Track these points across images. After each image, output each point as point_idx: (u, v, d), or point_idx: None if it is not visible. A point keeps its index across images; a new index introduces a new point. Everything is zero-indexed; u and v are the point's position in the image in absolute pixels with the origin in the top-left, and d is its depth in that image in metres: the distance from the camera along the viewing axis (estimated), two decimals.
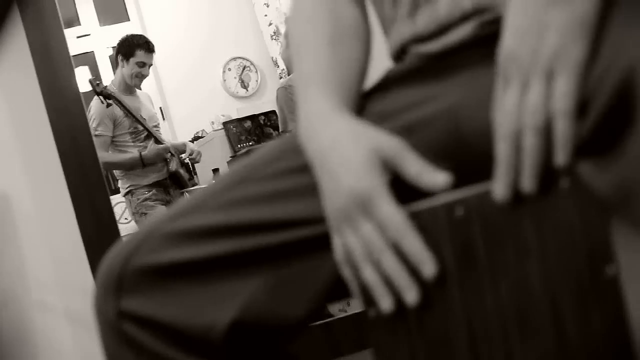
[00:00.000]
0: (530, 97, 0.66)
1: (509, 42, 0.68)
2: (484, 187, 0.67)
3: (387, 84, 0.90)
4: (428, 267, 0.68)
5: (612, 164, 0.64)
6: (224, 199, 0.84)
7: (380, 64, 0.97)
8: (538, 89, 0.65)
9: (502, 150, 0.66)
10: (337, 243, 0.75)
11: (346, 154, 0.73)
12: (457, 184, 0.70)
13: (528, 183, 0.65)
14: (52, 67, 2.27)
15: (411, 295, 0.69)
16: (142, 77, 4.32)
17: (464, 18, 0.81)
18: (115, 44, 4.34)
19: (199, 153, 4.50)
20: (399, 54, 0.93)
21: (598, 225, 0.65)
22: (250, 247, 0.82)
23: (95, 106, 4.04)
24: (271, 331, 0.84)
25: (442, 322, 0.70)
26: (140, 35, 4.43)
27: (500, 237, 0.67)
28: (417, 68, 0.88)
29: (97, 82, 4.09)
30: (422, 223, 0.70)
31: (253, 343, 0.84)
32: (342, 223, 0.74)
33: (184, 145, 4.49)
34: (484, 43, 0.79)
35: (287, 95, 3.86)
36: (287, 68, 4.15)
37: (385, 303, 0.70)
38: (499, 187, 0.67)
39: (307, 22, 0.93)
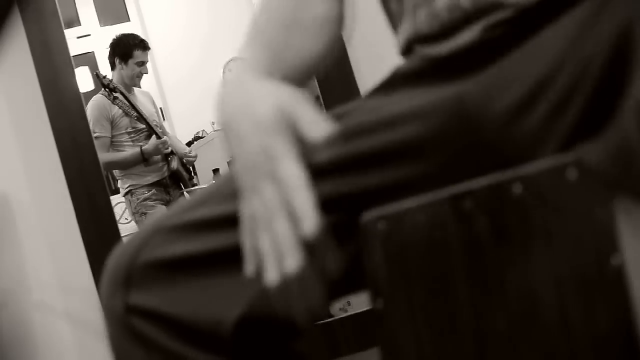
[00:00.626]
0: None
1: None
2: (491, 179, 0.67)
3: (393, 82, 0.90)
4: (308, 223, 0.63)
5: (609, 135, 0.64)
6: (230, 189, 0.83)
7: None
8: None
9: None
10: (244, 211, 0.73)
11: (253, 114, 0.72)
12: (466, 174, 0.70)
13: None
14: (53, 67, 2.27)
15: (290, 262, 0.64)
16: (141, 76, 4.33)
17: (467, 20, 0.81)
18: (113, 41, 4.34)
19: (196, 156, 4.50)
20: (405, 52, 0.93)
21: (604, 215, 0.65)
22: None
23: (91, 107, 4.02)
24: (278, 327, 0.84)
25: (449, 315, 0.70)
26: (133, 35, 4.43)
27: (507, 229, 0.67)
28: (423, 70, 0.87)
29: (103, 75, 4.10)
30: (429, 216, 0.70)
31: (260, 339, 0.83)
32: (247, 190, 0.72)
33: (180, 148, 4.49)
34: (488, 47, 0.79)
35: None
36: None
37: (272, 274, 0.66)
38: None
39: (267, 11, 0.94)
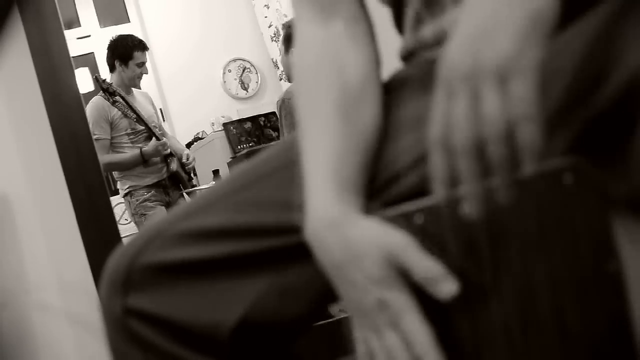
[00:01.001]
0: (486, 106, 0.63)
1: (454, 51, 0.66)
2: (487, 183, 0.67)
3: (394, 87, 0.90)
4: None
5: (622, 166, 0.64)
6: (232, 201, 0.85)
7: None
8: (492, 96, 0.62)
9: (464, 165, 0.64)
10: (359, 339, 0.74)
11: (363, 267, 0.71)
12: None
13: (504, 194, 0.64)
14: (52, 68, 2.27)
15: None
16: (142, 76, 4.33)
17: None
18: (111, 42, 4.33)
19: (194, 159, 4.50)
20: (407, 58, 0.93)
21: (600, 221, 0.65)
22: (255, 249, 0.82)
23: (90, 109, 4.02)
24: (275, 330, 0.84)
25: (445, 322, 0.70)
26: (132, 36, 4.42)
27: (504, 234, 0.67)
28: (424, 76, 0.87)
29: (103, 79, 4.09)
30: (427, 219, 0.70)
31: (258, 342, 0.84)
32: (365, 325, 0.73)
33: (180, 149, 4.49)
34: None
35: (285, 108, 3.85)
36: (287, 74, 4.15)
37: None
38: (472, 206, 0.65)
39: (312, 82, 0.87)
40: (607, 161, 0.66)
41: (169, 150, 4.26)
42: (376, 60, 0.90)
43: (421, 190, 0.74)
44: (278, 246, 0.81)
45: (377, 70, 0.89)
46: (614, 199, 0.65)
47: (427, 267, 0.68)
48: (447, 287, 0.67)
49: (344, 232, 0.73)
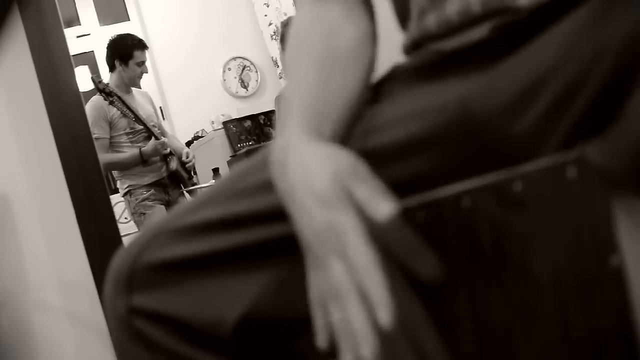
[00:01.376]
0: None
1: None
2: (490, 178, 0.67)
3: (395, 78, 0.90)
4: (382, 312, 0.61)
5: (614, 135, 0.64)
6: (229, 193, 0.85)
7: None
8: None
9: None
10: (312, 282, 0.71)
11: (313, 187, 0.70)
12: (468, 173, 0.70)
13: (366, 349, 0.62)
14: (52, 66, 2.27)
15: (365, 349, 0.61)
16: (142, 75, 4.33)
17: (477, 22, 0.81)
18: (111, 42, 4.33)
19: (194, 157, 4.51)
20: (411, 50, 0.93)
21: (603, 215, 0.65)
22: (257, 238, 0.82)
23: (89, 109, 4.03)
24: (279, 327, 0.84)
25: (448, 314, 0.70)
26: (131, 35, 4.43)
27: (507, 229, 0.67)
28: (427, 64, 0.87)
29: (99, 79, 4.09)
30: (428, 215, 0.70)
31: (260, 339, 0.84)
32: (315, 260, 0.70)
33: (180, 149, 4.49)
34: (495, 44, 0.79)
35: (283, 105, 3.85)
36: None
37: (347, 357, 0.64)
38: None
39: (300, 43, 0.91)
40: (606, 138, 0.65)
41: (168, 150, 4.26)
42: (371, 38, 0.92)
43: (410, 181, 0.76)
44: (280, 234, 0.81)
45: (370, 48, 0.91)
46: (615, 177, 0.65)
47: (368, 186, 0.67)
48: (385, 207, 0.64)
49: (302, 153, 0.73)
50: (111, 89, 4.06)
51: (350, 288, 0.64)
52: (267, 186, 0.80)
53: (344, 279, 0.65)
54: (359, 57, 0.89)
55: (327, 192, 0.68)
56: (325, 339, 0.68)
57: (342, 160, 0.70)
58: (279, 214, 0.79)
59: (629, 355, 0.66)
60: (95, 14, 6.66)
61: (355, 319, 0.63)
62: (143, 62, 4.28)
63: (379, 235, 0.66)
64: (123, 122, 4.13)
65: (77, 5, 6.58)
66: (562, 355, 0.68)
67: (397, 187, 0.75)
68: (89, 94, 4.11)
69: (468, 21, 0.81)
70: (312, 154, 0.72)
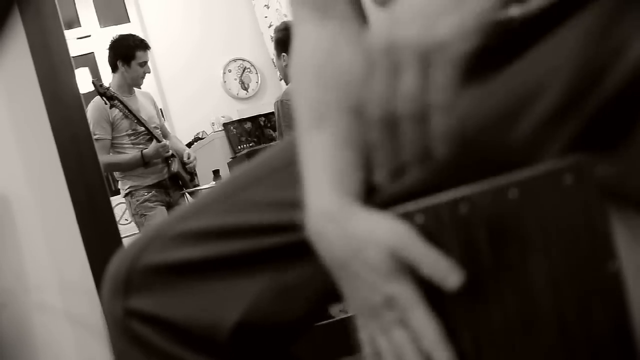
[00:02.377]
0: (404, 83, 0.64)
1: (394, 24, 0.65)
2: (487, 184, 0.67)
3: None
4: None
5: (621, 154, 0.64)
6: (231, 201, 0.85)
7: None
8: (412, 76, 0.63)
9: (376, 135, 0.66)
10: (364, 336, 0.73)
11: (367, 261, 0.70)
12: (464, 181, 0.70)
13: (411, 168, 0.65)
14: (53, 68, 2.27)
15: None
16: (144, 76, 4.33)
17: None
18: (113, 42, 4.32)
19: (195, 158, 4.50)
20: None
21: (600, 221, 0.65)
22: (254, 248, 0.82)
23: (91, 109, 4.02)
24: (275, 331, 0.85)
25: (446, 320, 0.70)
26: (133, 35, 4.42)
27: (504, 234, 0.67)
28: None
29: (100, 83, 4.09)
30: (426, 219, 0.70)
31: (257, 343, 0.84)
32: (370, 322, 0.72)
33: (180, 150, 4.49)
34: (489, 54, 0.79)
35: (283, 108, 3.84)
36: (282, 76, 4.15)
37: None
38: (380, 175, 0.67)
39: (309, 80, 0.87)
40: (611, 156, 0.65)
41: (170, 152, 4.26)
42: None
43: (417, 191, 0.75)
44: (277, 245, 0.82)
45: None
46: (617, 194, 0.65)
47: (433, 259, 0.67)
48: (453, 278, 0.66)
49: (346, 225, 0.72)
50: (112, 93, 4.06)
51: (416, 355, 0.68)
52: (269, 202, 0.82)
53: (408, 346, 0.68)
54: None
55: (382, 265, 0.69)
56: None
57: (394, 230, 0.70)
58: (278, 229, 0.79)
59: (628, 358, 0.66)
60: (95, 15, 6.66)
61: None
62: (145, 63, 4.28)
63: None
64: (125, 124, 4.13)
65: (77, 6, 6.58)
66: (560, 358, 0.68)
67: (396, 196, 0.75)
68: (89, 96, 4.11)
69: None
70: (359, 226, 0.72)
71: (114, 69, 4.29)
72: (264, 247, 0.82)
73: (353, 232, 0.71)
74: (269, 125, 5.83)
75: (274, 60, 6.72)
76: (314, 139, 0.81)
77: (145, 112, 4.29)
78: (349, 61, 0.86)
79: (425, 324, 0.67)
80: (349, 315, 0.76)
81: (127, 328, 0.83)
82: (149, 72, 4.38)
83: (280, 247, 0.82)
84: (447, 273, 0.66)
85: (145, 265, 0.84)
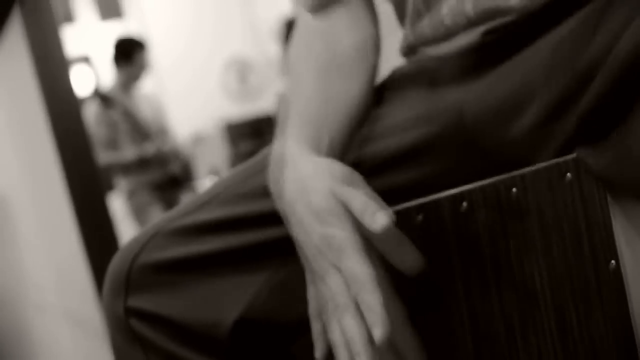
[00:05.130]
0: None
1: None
2: (487, 181, 0.67)
3: (394, 84, 0.90)
4: (377, 330, 0.61)
5: (615, 141, 0.64)
6: (228, 195, 0.85)
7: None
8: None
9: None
10: (310, 291, 0.73)
11: (310, 202, 0.70)
12: (464, 179, 0.70)
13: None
14: (50, 66, 2.27)
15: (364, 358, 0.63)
16: (144, 74, 4.35)
17: (470, 25, 0.81)
18: (113, 42, 4.36)
19: (193, 158, 4.52)
20: (407, 53, 0.93)
21: (600, 217, 0.65)
22: (255, 241, 0.82)
23: (92, 110, 4.05)
24: (275, 329, 0.84)
25: (446, 317, 0.70)
26: (133, 35, 4.46)
27: (504, 231, 0.67)
28: (422, 73, 0.87)
29: (98, 87, 4.12)
30: (426, 216, 0.70)
31: (257, 341, 0.84)
32: (313, 275, 0.71)
33: (179, 150, 4.51)
34: (487, 51, 0.79)
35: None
36: (284, 69, 4.18)
37: None
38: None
39: (301, 51, 0.90)
40: (608, 148, 0.65)
41: (168, 152, 4.27)
42: (373, 42, 0.91)
43: (408, 187, 0.76)
44: (278, 237, 0.81)
45: (373, 52, 0.90)
46: (615, 185, 0.65)
47: (363, 199, 0.66)
48: (380, 220, 0.64)
49: (298, 168, 0.73)
50: (111, 96, 4.09)
51: (348, 302, 0.65)
52: (264, 191, 0.80)
53: (341, 292, 0.66)
54: (360, 62, 0.88)
55: (323, 207, 0.68)
56: (323, 350, 0.70)
57: (337, 173, 0.70)
58: (276, 218, 0.79)
59: (627, 357, 0.66)
60: (92, 10, 6.66)
61: (352, 332, 0.64)
62: (145, 61, 4.30)
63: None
64: (124, 124, 4.14)
65: (74, 1, 6.59)
66: (560, 358, 0.68)
67: (396, 194, 0.75)
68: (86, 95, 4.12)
69: (462, 25, 0.80)
70: (308, 169, 0.72)
71: (115, 67, 4.31)
72: (264, 240, 0.82)
73: (302, 174, 0.72)
74: (268, 123, 5.84)
75: (274, 58, 6.73)
76: (293, 97, 0.83)
77: (145, 112, 4.31)
78: (347, 41, 0.88)
79: (356, 265, 0.65)
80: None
81: (128, 327, 0.83)
82: (148, 72, 4.39)
83: (280, 240, 0.80)
84: (374, 214, 0.64)
85: (145, 263, 0.83)
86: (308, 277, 0.72)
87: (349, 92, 0.84)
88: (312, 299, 0.72)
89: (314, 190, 0.70)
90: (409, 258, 0.67)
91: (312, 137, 0.77)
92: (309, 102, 0.82)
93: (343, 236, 0.66)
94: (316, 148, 0.76)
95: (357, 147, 0.83)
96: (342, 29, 0.90)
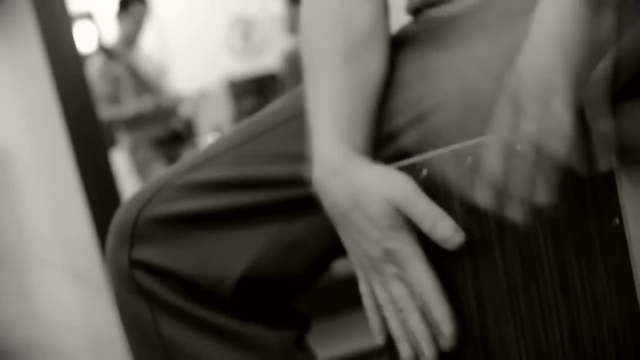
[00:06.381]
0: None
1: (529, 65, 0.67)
2: (492, 136, 0.66)
3: (400, 43, 0.89)
4: (445, 340, 0.71)
5: (625, 110, 0.63)
6: (238, 153, 0.85)
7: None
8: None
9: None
10: (364, 288, 0.76)
11: (367, 212, 0.71)
12: (465, 136, 0.70)
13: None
14: (54, 23, 2.25)
15: (429, 352, 0.72)
16: (144, 25, 4.32)
17: None
18: None
19: (196, 114, 4.52)
20: (413, 13, 0.92)
21: (605, 177, 0.64)
22: (260, 201, 0.82)
23: (95, 65, 4.03)
24: (278, 285, 0.85)
25: (449, 273, 0.71)
26: None
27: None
28: (427, 31, 0.86)
29: (102, 41, 4.10)
30: (431, 171, 0.70)
31: (260, 296, 0.85)
32: (370, 273, 0.74)
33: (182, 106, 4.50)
34: (493, 10, 0.79)
35: (291, 61, 3.84)
36: (292, 26, 4.14)
37: (406, 353, 0.74)
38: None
39: (319, 29, 0.86)
40: (615, 113, 0.65)
41: (169, 108, 4.27)
42: (384, 11, 0.89)
43: (419, 148, 0.75)
44: (283, 198, 0.82)
45: (385, 21, 0.88)
46: (621, 148, 0.65)
47: (434, 216, 0.68)
48: (454, 238, 0.68)
49: (350, 177, 0.73)
50: (116, 51, 4.07)
51: (414, 309, 0.71)
52: (277, 155, 0.82)
53: (405, 299, 0.71)
54: (378, 34, 0.86)
55: (381, 217, 0.70)
56: (385, 338, 0.76)
57: (396, 183, 0.70)
58: (282, 182, 0.79)
59: (629, 315, 0.66)
60: None
61: (419, 333, 0.72)
62: (142, 14, 4.27)
63: None
64: (127, 79, 4.13)
65: None
66: (562, 314, 0.68)
67: (404, 151, 0.75)
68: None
69: None
70: (364, 178, 0.72)
71: (117, 21, 4.29)
72: (271, 200, 0.82)
73: (355, 184, 0.72)
74: (273, 81, 5.82)
75: (279, 16, 6.69)
76: (320, 88, 0.81)
77: (148, 67, 4.29)
78: (361, 13, 0.85)
79: (422, 278, 0.69)
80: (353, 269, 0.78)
81: (132, 279, 0.83)
82: (146, 25, 4.37)
83: (286, 200, 0.82)
84: (448, 232, 0.68)
85: (151, 216, 0.83)
86: (360, 274, 0.76)
87: (373, 68, 0.83)
88: (365, 293, 0.76)
89: (373, 202, 0.70)
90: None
91: (351, 135, 0.77)
92: (339, 95, 0.80)
93: (408, 250, 0.70)
94: (355, 146, 0.76)
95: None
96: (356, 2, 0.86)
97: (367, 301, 0.76)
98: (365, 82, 0.81)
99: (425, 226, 0.68)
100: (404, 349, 0.74)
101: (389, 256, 0.70)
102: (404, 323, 0.72)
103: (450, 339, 0.70)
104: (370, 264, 0.72)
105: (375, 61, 0.83)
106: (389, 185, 0.70)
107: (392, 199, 0.69)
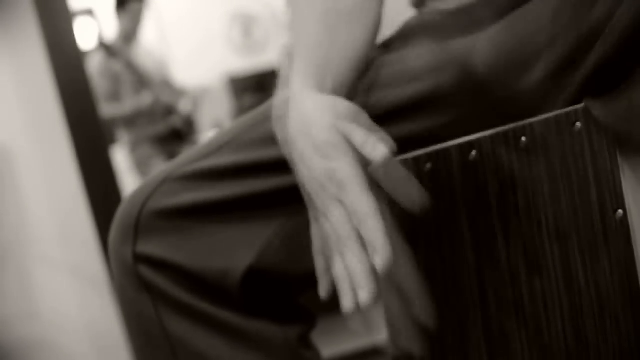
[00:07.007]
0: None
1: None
2: (497, 130, 0.67)
3: (407, 35, 0.89)
4: (378, 257, 0.63)
5: (623, 96, 0.63)
6: (240, 140, 0.84)
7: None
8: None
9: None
10: (314, 232, 0.74)
11: (312, 137, 0.70)
12: (473, 128, 0.70)
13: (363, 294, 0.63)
14: (54, 18, 2.26)
15: (363, 294, 0.63)
16: (142, 21, 4.32)
17: None
18: None
19: (196, 111, 4.51)
20: (418, 4, 0.92)
21: (609, 168, 0.65)
22: (266, 188, 0.82)
23: (94, 62, 4.03)
24: (284, 280, 0.84)
25: (453, 264, 0.70)
26: None
27: (513, 180, 0.67)
28: (433, 25, 0.87)
29: (103, 38, 4.09)
30: (435, 165, 0.69)
31: (266, 291, 0.84)
32: (316, 211, 0.71)
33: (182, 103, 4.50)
34: (495, 3, 0.79)
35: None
36: None
37: (346, 301, 0.65)
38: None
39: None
40: (615, 102, 0.65)
41: (169, 105, 4.27)
42: None
43: (419, 136, 0.75)
44: (289, 185, 0.80)
45: (377, 3, 0.88)
46: (622, 138, 0.65)
47: (364, 131, 0.67)
48: (380, 150, 0.65)
49: (300, 104, 0.73)
50: (116, 49, 4.07)
51: (350, 233, 0.65)
52: (274, 138, 0.80)
53: (343, 224, 0.66)
54: (364, 13, 0.86)
55: (325, 141, 0.69)
56: (327, 287, 0.71)
57: (340, 109, 0.70)
58: (286, 166, 0.78)
59: (633, 306, 0.66)
60: None
61: (354, 264, 0.64)
62: (138, 11, 4.27)
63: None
64: (126, 76, 4.13)
65: None
66: (565, 304, 0.68)
67: (407, 142, 0.74)
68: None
69: None
70: (311, 105, 0.72)
71: (116, 17, 4.29)
72: (275, 188, 0.82)
73: (305, 110, 0.72)
74: (274, 77, 5.82)
75: (280, 12, 6.69)
76: (299, 48, 0.82)
77: (148, 64, 4.29)
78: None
79: (357, 197, 0.65)
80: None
81: (136, 274, 0.83)
82: (144, 22, 4.37)
83: (291, 189, 0.80)
84: (374, 144, 0.66)
85: (155, 209, 0.83)
86: (311, 214, 0.73)
87: (353, 37, 0.83)
88: (315, 237, 0.73)
89: (316, 124, 0.70)
90: (412, 193, 0.66)
91: (317, 78, 0.77)
92: (314, 46, 0.81)
93: (345, 169, 0.67)
94: (320, 88, 0.76)
95: (364, 93, 0.82)
96: None
97: (314, 244, 0.73)
98: (344, 44, 0.82)
99: (355, 141, 0.67)
100: (343, 292, 0.66)
101: (329, 177, 0.68)
102: (343, 257, 0.67)
103: (382, 255, 0.62)
104: (316, 191, 0.70)
105: (357, 33, 0.84)
106: (333, 106, 0.71)
107: (334, 119, 0.69)
